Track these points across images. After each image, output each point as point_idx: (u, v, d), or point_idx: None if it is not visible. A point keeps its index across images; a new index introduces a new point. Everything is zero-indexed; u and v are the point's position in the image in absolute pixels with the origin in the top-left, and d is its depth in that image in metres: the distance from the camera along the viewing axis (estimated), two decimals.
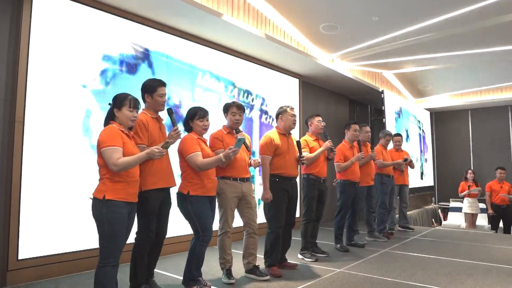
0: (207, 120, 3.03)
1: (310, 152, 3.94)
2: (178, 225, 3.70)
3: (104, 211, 2.20)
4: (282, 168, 3.49)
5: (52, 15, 3.43)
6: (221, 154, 2.87)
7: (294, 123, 3.66)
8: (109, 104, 2.48)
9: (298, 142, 3.74)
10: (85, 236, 3.51)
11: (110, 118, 2.44)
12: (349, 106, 8.41)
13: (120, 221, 2.24)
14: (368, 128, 5.05)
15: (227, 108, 3.27)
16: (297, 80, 6.49)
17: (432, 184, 10.05)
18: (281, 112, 3.68)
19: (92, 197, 2.29)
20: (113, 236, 2.22)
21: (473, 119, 9.95)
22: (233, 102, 3.29)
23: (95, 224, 2.26)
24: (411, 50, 6.01)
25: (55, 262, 3.33)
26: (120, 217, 2.24)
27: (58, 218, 3.36)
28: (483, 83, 8.56)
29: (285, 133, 3.63)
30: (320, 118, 4.17)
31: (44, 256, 3.27)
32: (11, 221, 3.09)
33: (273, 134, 3.59)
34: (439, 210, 9.78)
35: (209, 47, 4.89)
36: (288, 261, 3.74)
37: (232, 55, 5.21)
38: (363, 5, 4.61)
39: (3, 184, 3.14)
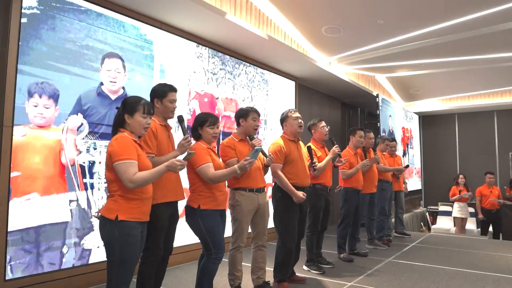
0: (218, 127, 2.80)
1: (318, 162, 3.75)
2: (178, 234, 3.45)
3: (117, 233, 1.92)
4: (294, 177, 3.25)
5: (45, 11, 3.11)
6: (235, 166, 2.64)
7: (301, 127, 3.40)
8: (116, 108, 2.21)
9: (309, 147, 3.55)
10: (78, 252, 3.20)
11: (119, 125, 2.14)
12: (341, 110, 8.32)
13: (134, 244, 1.98)
14: (372, 135, 4.91)
15: (245, 114, 3.02)
16: (293, 82, 6.32)
17: (419, 187, 10.10)
18: (283, 118, 3.45)
19: (98, 214, 2.02)
20: (126, 261, 1.95)
21: (460, 123, 10.09)
22: (251, 108, 3.07)
23: (104, 247, 1.99)
24: (409, 55, 5.96)
25: (46, 281, 3.01)
26: (134, 240, 1.98)
27: (48, 234, 3.04)
28: (471, 89, 8.66)
29: (293, 139, 3.40)
30: (324, 124, 3.99)
31: (33, 275, 2.95)
32: None
33: (281, 141, 3.36)
34: (427, 214, 9.84)
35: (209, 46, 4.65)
36: (296, 274, 3.56)
37: (230, 55, 4.99)
38: (369, 8, 4.48)
39: None
